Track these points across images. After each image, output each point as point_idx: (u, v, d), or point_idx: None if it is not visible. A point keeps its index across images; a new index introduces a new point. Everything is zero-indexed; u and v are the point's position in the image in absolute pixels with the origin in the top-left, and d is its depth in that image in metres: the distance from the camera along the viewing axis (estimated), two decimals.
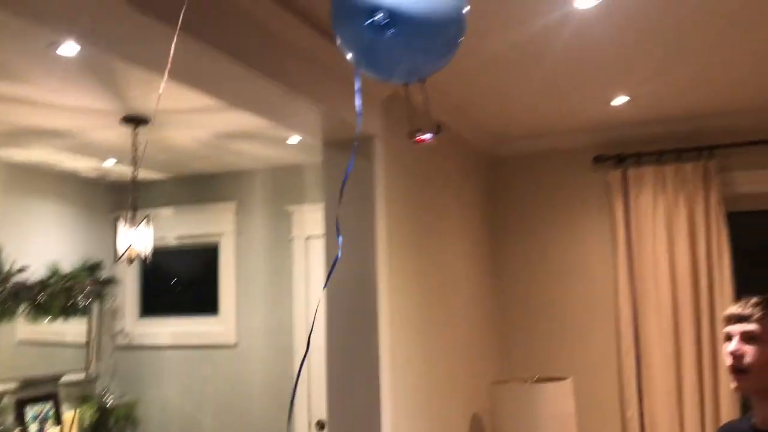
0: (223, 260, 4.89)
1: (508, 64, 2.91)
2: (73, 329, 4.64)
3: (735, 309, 1.91)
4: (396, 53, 1.36)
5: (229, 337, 4.78)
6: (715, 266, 3.71)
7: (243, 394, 4.67)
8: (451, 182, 3.71)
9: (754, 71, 3.13)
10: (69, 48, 2.38)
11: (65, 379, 4.58)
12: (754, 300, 1.90)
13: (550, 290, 4.14)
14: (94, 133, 3.83)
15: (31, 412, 4.22)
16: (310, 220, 4.51)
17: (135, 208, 3.70)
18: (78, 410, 4.44)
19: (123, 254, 3.45)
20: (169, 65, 1.46)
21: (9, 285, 4.08)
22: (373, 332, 2.76)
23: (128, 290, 5.07)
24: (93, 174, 4.84)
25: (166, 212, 4.92)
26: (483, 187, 4.21)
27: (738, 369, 1.87)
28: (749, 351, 1.87)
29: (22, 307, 4.21)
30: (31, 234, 4.51)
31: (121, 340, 5.00)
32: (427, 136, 1.53)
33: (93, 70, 2.88)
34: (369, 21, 1.32)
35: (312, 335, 1.56)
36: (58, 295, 4.36)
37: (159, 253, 4.10)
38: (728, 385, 2.09)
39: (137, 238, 3.64)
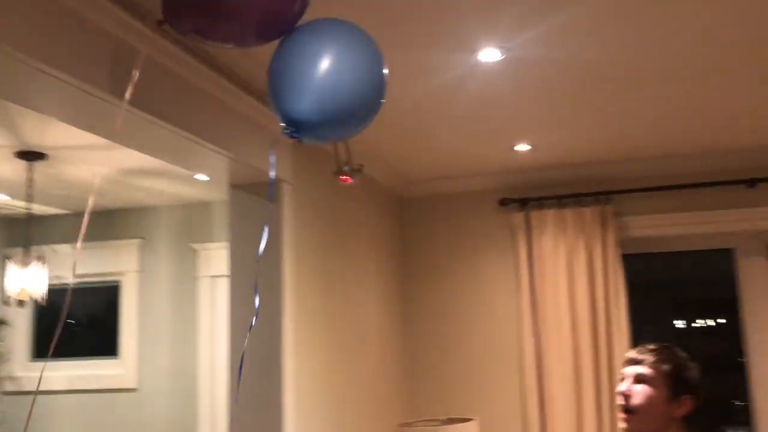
0: (125, 300, 4.69)
1: (420, 111, 2.98)
2: None
3: (632, 353, 2.03)
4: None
5: (130, 381, 4.57)
6: (612, 305, 3.87)
7: None
8: (361, 224, 3.72)
9: (647, 123, 3.33)
10: None
11: None
12: (651, 346, 2.02)
13: (457, 331, 4.20)
14: None
15: None
16: (217, 259, 4.41)
17: (28, 246, 3.51)
18: None
19: (12, 296, 3.25)
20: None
21: None
22: (278, 378, 2.70)
23: (20, 332, 4.77)
24: None
25: (64, 249, 4.69)
26: (394, 229, 4.24)
27: (627, 409, 1.98)
28: (638, 393, 1.97)
29: None
30: None
31: (9, 386, 4.68)
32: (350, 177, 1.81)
33: None
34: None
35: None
36: None
37: (56, 291, 3.89)
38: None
39: (29, 279, 3.44)
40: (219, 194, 4.10)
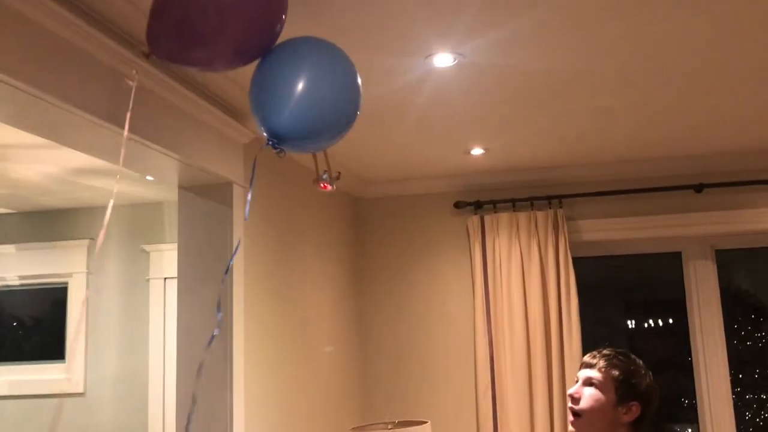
0: (72, 302, 4.56)
1: (375, 114, 2.97)
2: None
3: (587, 357, 2.07)
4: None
5: (77, 386, 4.44)
6: (564, 307, 3.92)
7: None
8: (315, 226, 3.69)
9: (595, 129, 3.38)
10: None
11: None
12: (604, 351, 2.07)
13: (412, 333, 4.20)
14: None
15: None
16: (169, 260, 4.32)
17: None
18: None
19: None
20: None
21: None
22: (228, 384, 2.66)
23: None
24: None
25: (7, 249, 4.54)
26: (348, 230, 4.22)
27: (574, 411, 2.02)
28: (586, 396, 2.01)
29: None
30: None
31: None
32: (329, 184, 2.03)
33: None
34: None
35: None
36: None
37: None
38: None
39: None
40: (171, 194, 4.01)
